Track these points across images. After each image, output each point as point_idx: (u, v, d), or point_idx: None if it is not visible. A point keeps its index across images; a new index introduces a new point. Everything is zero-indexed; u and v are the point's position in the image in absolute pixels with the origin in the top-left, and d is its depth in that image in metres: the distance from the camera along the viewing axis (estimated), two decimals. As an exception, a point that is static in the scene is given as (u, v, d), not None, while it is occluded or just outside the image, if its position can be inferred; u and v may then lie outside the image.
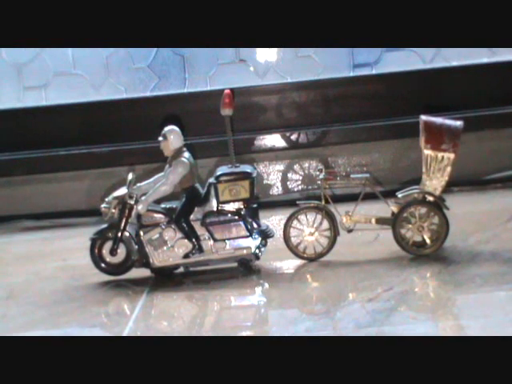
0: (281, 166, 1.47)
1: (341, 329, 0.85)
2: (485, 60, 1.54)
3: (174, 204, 1.09)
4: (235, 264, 1.05)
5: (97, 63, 1.61)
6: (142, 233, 1.06)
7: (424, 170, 1.06)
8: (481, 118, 1.39)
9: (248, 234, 1.06)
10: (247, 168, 1.09)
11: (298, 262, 1.05)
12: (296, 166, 1.46)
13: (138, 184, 1.08)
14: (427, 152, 1.05)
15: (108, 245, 1.09)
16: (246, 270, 1.05)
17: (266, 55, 1.61)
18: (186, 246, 1.06)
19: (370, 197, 1.07)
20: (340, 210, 1.08)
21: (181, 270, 1.07)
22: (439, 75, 1.58)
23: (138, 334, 0.87)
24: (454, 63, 1.54)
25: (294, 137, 1.49)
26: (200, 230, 1.07)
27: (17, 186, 1.53)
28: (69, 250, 1.24)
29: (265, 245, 1.08)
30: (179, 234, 1.06)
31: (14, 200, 1.54)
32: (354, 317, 0.87)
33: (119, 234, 1.07)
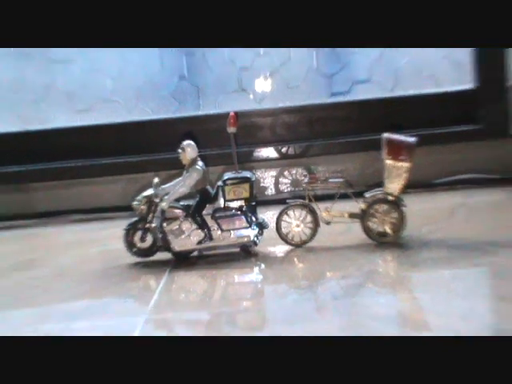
0: (274, 173, 1.47)
1: (320, 300, 0.85)
2: (432, 90, 1.55)
3: (191, 202, 1.08)
4: (238, 249, 1.05)
5: (130, 92, 1.62)
6: (165, 224, 1.05)
7: (386, 175, 1.05)
8: (430, 136, 1.38)
9: (248, 225, 1.06)
10: (247, 174, 1.08)
11: (287, 247, 1.04)
12: (286, 173, 1.45)
13: (162, 186, 1.07)
14: (388, 162, 1.05)
15: (138, 234, 1.08)
16: (246, 253, 1.05)
17: (263, 86, 1.61)
18: (199, 234, 1.05)
19: (344, 197, 1.06)
20: (320, 207, 1.06)
21: (195, 253, 1.06)
22: (397, 101, 1.58)
23: (162, 304, 0.86)
24: (411, 92, 1.54)
25: (284, 150, 1.48)
26: (210, 223, 1.06)
27: (67, 188, 1.54)
28: (107, 237, 1.24)
29: (261, 234, 1.07)
30: (194, 226, 1.05)
31: (64, 198, 1.54)
32: (331, 290, 0.87)
33: (147, 225, 1.07)
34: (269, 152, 1.52)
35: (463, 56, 1.53)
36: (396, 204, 1.05)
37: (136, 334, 0.76)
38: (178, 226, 1.06)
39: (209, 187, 1.08)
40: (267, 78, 1.60)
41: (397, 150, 1.03)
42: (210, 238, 1.05)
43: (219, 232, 1.06)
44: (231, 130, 1.07)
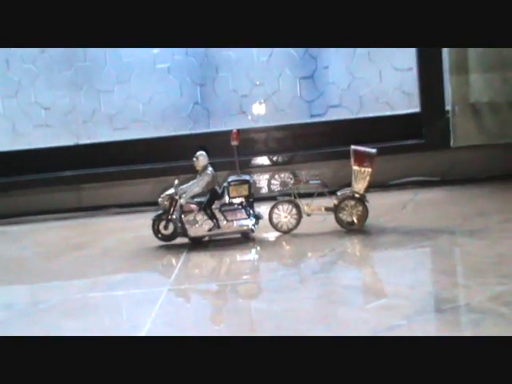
0: (267, 176, 1.45)
1: (303, 274, 0.85)
2: (387, 113, 1.56)
3: (203, 199, 1.07)
4: (239, 235, 1.03)
5: (157, 114, 1.62)
6: (183, 216, 1.03)
7: (353, 178, 1.04)
8: (386, 148, 1.37)
9: (247, 216, 1.04)
10: (246, 176, 1.07)
11: (277, 234, 1.03)
12: (276, 176, 1.43)
13: (181, 186, 1.05)
14: (355, 167, 1.04)
15: (162, 223, 1.06)
16: (245, 238, 1.03)
17: (258, 109, 1.61)
18: (209, 224, 1.03)
19: (321, 195, 1.04)
20: (303, 202, 1.05)
21: (206, 238, 1.05)
22: (361, 121, 1.58)
23: (181, 277, 0.86)
24: (371, 114, 1.54)
25: (274, 158, 1.47)
26: (218, 215, 1.05)
27: (109, 188, 1.53)
28: (139, 226, 1.22)
29: (257, 223, 1.05)
30: (205, 217, 1.04)
31: (107, 196, 1.53)
32: (311, 267, 0.87)
33: (169, 217, 1.05)
34: (263, 160, 1.52)
35: (411, 87, 1.55)
36: (361, 200, 1.04)
37: (161, 300, 0.75)
38: (193, 217, 1.06)
39: (217, 187, 1.08)
40: (262, 104, 1.61)
41: (361, 158, 1.03)
42: (218, 227, 1.05)
43: (225, 222, 1.05)
44: (234, 143, 1.07)
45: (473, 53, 1.26)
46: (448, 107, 1.45)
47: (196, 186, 1.01)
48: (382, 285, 0.80)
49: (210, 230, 1.01)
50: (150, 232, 1.02)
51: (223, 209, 1.01)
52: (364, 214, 1.01)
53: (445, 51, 1.35)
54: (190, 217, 1.01)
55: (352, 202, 1.01)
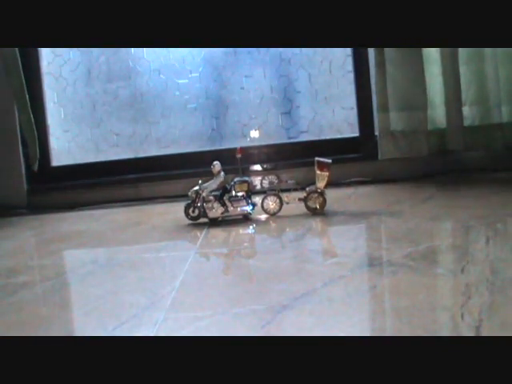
0: (259, 177, 1.46)
1: (283, 241, 0.85)
2: (339, 136, 1.56)
3: (217, 192, 1.06)
4: (241, 217, 1.03)
5: (187, 138, 1.62)
6: (204, 204, 1.03)
7: (316, 179, 1.04)
8: (338, 159, 1.37)
9: (247, 204, 1.05)
10: (246, 178, 1.07)
11: (266, 216, 1.02)
12: (265, 177, 1.44)
13: (203, 184, 1.05)
14: (317, 172, 1.04)
15: (191, 208, 1.06)
16: (246, 219, 1.03)
17: (254, 134, 1.62)
18: (222, 209, 1.03)
19: (295, 190, 1.04)
20: (283, 195, 1.05)
21: (220, 219, 1.04)
22: (321, 142, 1.58)
23: (203, 245, 0.85)
24: (328, 137, 1.56)
25: (264, 166, 1.47)
26: (228, 203, 1.05)
27: (157, 185, 1.53)
28: (176, 210, 1.22)
29: (253, 209, 1.05)
30: (219, 204, 1.04)
31: (156, 191, 1.53)
32: (290, 238, 0.87)
33: (195, 204, 1.05)
34: (257, 167, 1.53)
35: (353, 120, 1.57)
36: (321, 193, 1.05)
37: (190, 259, 0.75)
38: (211, 204, 1.06)
39: (227, 185, 1.08)
40: (256, 130, 1.62)
41: (322, 166, 1.04)
42: (227, 211, 1.05)
43: (232, 208, 1.06)
44: (238, 156, 1.08)
45: (391, 98, 1.31)
46: (376, 133, 1.48)
47: (213, 184, 1.02)
48: (335, 249, 0.81)
49: (222, 213, 1.01)
50: (183, 214, 1.03)
51: (231, 199, 1.02)
52: (324, 203, 1.02)
53: (374, 96, 1.38)
54: (209, 204, 1.01)
55: (316, 195, 1.02)
